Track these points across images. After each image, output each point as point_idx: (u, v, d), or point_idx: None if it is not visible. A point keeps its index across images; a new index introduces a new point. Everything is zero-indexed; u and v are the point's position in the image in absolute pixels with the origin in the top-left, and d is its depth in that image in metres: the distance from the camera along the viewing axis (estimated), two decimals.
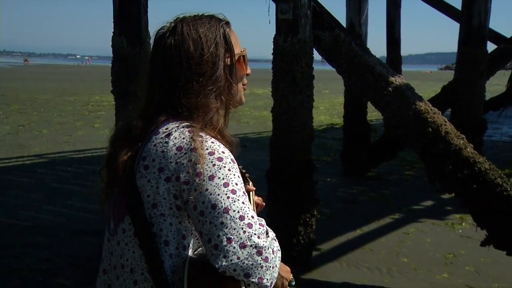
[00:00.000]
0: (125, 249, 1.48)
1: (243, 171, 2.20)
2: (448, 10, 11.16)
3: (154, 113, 1.50)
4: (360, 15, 8.80)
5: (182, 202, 1.40)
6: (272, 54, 4.95)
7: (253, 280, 1.30)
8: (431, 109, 4.48)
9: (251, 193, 2.08)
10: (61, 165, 9.17)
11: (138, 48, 5.38)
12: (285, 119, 4.90)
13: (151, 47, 1.57)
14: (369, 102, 8.70)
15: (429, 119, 4.41)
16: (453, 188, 4.40)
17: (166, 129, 1.44)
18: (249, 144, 11.15)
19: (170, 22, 1.55)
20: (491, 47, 8.83)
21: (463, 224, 6.39)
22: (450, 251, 5.50)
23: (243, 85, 1.66)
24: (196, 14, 1.58)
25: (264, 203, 2.11)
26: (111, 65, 5.58)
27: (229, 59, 1.54)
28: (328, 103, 21.44)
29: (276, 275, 1.37)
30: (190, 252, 1.46)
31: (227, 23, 1.59)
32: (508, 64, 10.35)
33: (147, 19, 5.49)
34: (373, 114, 11.63)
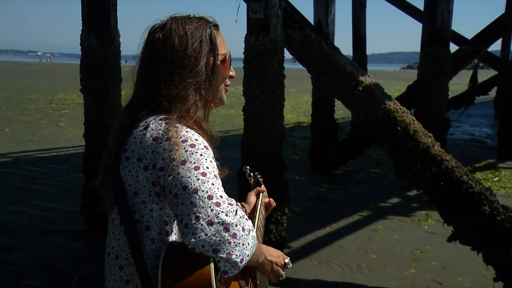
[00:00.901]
0: (112, 238, 1.59)
1: (258, 176, 2.28)
2: (411, 10, 11.41)
3: (138, 106, 1.62)
4: (327, 15, 8.89)
5: (160, 188, 1.50)
6: (243, 53, 4.97)
7: (221, 255, 1.37)
8: (400, 108, 4.58)
9: (261, 194, 2.15)
10: (26, 165, 8.97)
11: (108, 47, 5.33)
12: (256, 118, 4.93)
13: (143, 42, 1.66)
14: (336, 101, 8.84)
15: (398, 118, 4.51)
16: (421, 186, 4.50)
17: (145, 122, 1.55)
18: (217, 142, 11.02)
19: (162, 20, 1.66)
20: (453, 48, 9.05)
21: (429, 220, 6.54)
22: (417, 247, 5.63)
23: (226, 85, 1.75)
24: (188, 14, 1.69)
25: (274, 203, 2.25)
26: (79, 63, 5.52)
27: (212, 58, 1.64)
28: (294, 102, 21.57)
29: (248, 252, 1.43)
30: (174, 238, 1.56)
31: (216, 25, 1.70)
32: (470, 65, 10.59)
33: (117, 18, 5.46)
34: (339, 112, 11.76)
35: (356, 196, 7.71)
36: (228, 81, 1.74)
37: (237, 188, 5.16)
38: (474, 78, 11.30)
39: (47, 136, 11.98)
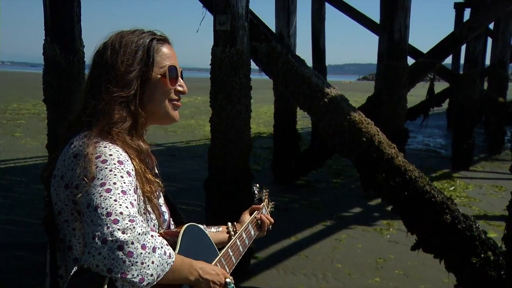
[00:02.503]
0: (48, 257, 1.56)
1: (266, 193, 2.26)
2: (367, 23, 11.70)
3: (72, 122, 1.60)
4: (289, 27, 9.02)
5: (80, 207, 1.43)
6: (210, 64, 4.99)
7: (115, 275, 1.28)
8: (365, 120, 4.69)
9: (255, 212, 2.13)
10: None
11: (72, 57, 5.25)
12: (223, 129, 4.95)
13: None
14: (297, 112, 8.95)
15: (363, 129, 4.61)
16: (385, 195, 4.61)
17: (72, 139, 1.52)
18: (178, 153, 11.06)
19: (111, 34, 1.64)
20: (410, 61, 9.32)
21: (391, 229, 6.68)
22: (380, 255, 5.75)
23: (172, 101, 1.66)
24: (136, 28, 1.65)
25: (271, 219, 2.22)
26: (41, 72, 5.41)
27: (146, 71, 1.59)
28: (253, 112, 21.50)
29: (151, 272, 1.31)
30: None
31: (162, 39, 1.66)
32: (426, 77, 10.92)
33: (81, 28, 5.38)
34: (300, 123, 11.91)
35: (319, 206, 7.80)
36: (174, 96, 1.66)
37: (201, 198, 5.16)
38: (431, 90, 11.65)
39: (3, 147, 11.62)
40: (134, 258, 1.28)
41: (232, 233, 2.02)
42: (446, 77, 15.01)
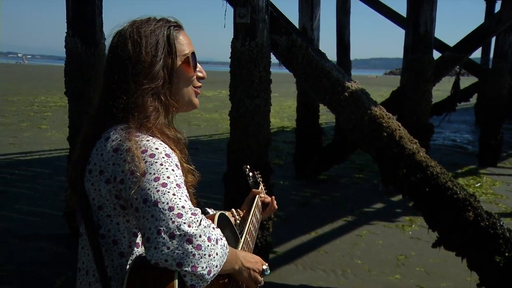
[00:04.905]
0: (82, 252, 1.56)
1: (258, 175, 2.28)
2: (394, 17, 11.52)
3: (99, 117, 1.56)
4: (312, 20, 8.93)
5: (124, 201, 1.44)
6: (230, 57, 4.95)
7: (186, 269, 1.29)
8: (386, 114, 4.61)
9: (256, 196, 2.15)
10: (7, 168, 8.82)
11: (93, 49, 5.29)
12: (242, 122, 4.92)
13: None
14: (320, 106, 8.87)
15: (384, 124, 4.53)
16: (406, 191, 4.53)
17: (107, 133, 1.50)
18: (201, 146, 11.06)
19: (122, 25, 1.61)
20: (436, 54, 9.15)
21: (413, 226, 6.58)
22: (401, 252, 5.66)
23: (195, 87, 1.66)
24: (149, 17, 1.62)
25: (275, 205, 2.25)
26: (62, 65, 5.46)
27: (170, 60, 1.57)
28: (277, 106, 21.60)
29: (216, 263, 1.35)
30: None
31: (177, 25, 1.63)
32: (452, 71, 10.72)
33: (102, 20, 5.41)
34: (323, 117, 11.83)
35: (340, 201, 7.73)
36: (197, 83, 1.66)
37: (222, 192, 5.15)
38: (456, 84, 11.44)
39: (29, 139, 11.82)
40: (202, 250, 1.31)
41: (238, 218, 2.06)
42: (474, 71, 14.74)
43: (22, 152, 10.29)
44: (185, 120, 15.97)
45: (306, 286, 4.76)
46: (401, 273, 5.10)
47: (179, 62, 1.59)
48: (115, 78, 1.53)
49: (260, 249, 4.94)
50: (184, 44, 1.61)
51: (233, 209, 2.10)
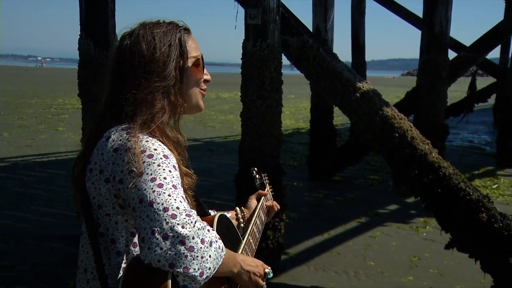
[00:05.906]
0: (81, 251, 1.58)
1: (266, 178, 2.29)
2: (410, 17, 11.42)
3: (103, 116, 1.59)
4: (326, 21, 8.90)
5: (123, 200, 1.46)
6: (241, 59, 4.95)
7: (178, 270, 1.31)
8: (398, 115, 4.57)
9: (262, 198, 2.15)
10: (24, 169, 8.95)
11: (106, 51, 5.32)
12: (254, 123, 4.92)
13: None
14: (335, 107, 8.83)
15: (396, 125, 4.49)
16: (418, 192, 4.49)
17: (108, 133, 1.53)
18: (216, 148, 11.15)
19: (132, 27, 1.63)
20: (451, 55, 9.06)
21: (427, 227, 6.52)
22: (415, 254, 5.61)
23: (201, 90, 1.70)
24: (158, 20, 1.66)
25: (278, 205, 2.25)
26: (77, 68, 5.51)
27: (182, 61, 1.61)
28: (293, 108, 21.58)
29: (209, 265, 1.35)
30: None
31: (186, 29, 1.68)
32: (468, 72, 10.60)
33: (115, 22, 5.44)
34: (338, 119, 11.79)
35: (354, 202, 7.69)
36: (203, 85, 1.71)
37: (234, 193, 5.15)
38: (473, 85, 11.31)
39: (46, 141, 11.97)
40: (195, 252, 1.32)
41: (241, 218, 2.05)
42: (491, 71, 14.56)
43: (39, 154, 10.42)
44: (201, 122, 16.03)
45: (318, 287, 4.74)
46: (414, 275, 5.06)
47: (189, 64, 1.63)
48: (125, 76, 1.56)
49: (272, 250, 4.94)
50: (193, 47, 1.66)
51: (237, 208, 2.10)
